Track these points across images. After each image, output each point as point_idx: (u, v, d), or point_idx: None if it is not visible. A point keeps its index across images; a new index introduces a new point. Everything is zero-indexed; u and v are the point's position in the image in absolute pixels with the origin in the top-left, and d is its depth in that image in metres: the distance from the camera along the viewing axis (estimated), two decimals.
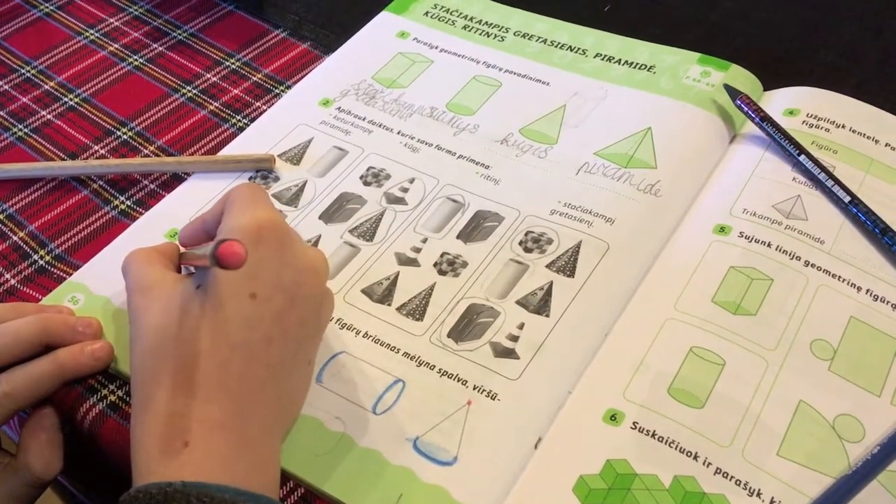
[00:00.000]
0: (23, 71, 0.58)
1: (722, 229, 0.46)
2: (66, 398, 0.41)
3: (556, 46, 0.58)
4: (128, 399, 0.41)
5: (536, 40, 0.58)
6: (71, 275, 0.46)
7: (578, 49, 0.57)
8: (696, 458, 0.38)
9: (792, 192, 0.48)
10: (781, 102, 0.53)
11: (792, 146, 0.48)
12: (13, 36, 0.61)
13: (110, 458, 0.40)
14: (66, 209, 0.50)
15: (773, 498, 0.37)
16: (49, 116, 0.55)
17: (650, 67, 0.55)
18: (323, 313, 0.40)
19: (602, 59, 0.56)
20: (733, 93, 0.51)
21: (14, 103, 0.56)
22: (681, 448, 0.38)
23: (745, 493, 0.37)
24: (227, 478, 0.34)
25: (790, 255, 0.45)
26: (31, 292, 0.46)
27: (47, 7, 0.63)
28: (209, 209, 0.40)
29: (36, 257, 0.48)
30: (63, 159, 0.53)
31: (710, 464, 0.38)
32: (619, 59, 0.56)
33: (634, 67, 0.56)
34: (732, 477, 0.37)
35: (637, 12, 0.61)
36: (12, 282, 0.47)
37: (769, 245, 0.45)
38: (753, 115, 0.50)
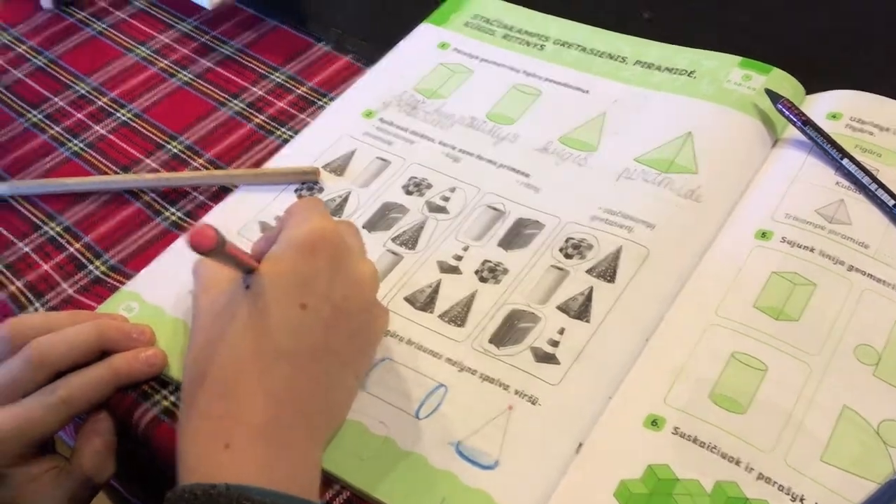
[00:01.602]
0: (77, 88, 0.61)
1: (764, 234, 0.46)
2: (120, 403, 0.43)
3: (595, 54, 0.58)
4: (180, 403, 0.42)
5: (576, 48, 0.59)
6: (125, 284, 0.48)
7: (618, 57, 0.58)
8: (738, 463, 0.38)
9: (835, 197, 0.47)
10: (824, 106, 0.52)
11: (835, 150, 0.48)
12: (68, 54, 0.63)
13: (163, 462, 0.42)
14: (120, 221, 0.52)
15: (816, 503, 0.36)
16: (103, 131, 0.57)
17: (691, 72, 0.55)
18: (374, 328, 0.41)
19: (642, 66, 0.57)
20: (775, 97, 0.51)
21: (69, 119, 0.58)
22: (722, 453, 0.38)
23: (788, 499, 0.37)
24: (267, 481, 0.34)
25: (833, 259, 0.44)
26: (87, 301, 0.48)
27: (100, 26, 0.65)
28: (275, 227, 0.41)
29: (91, 267, 0.49)
30: (116, 173, 0.54)
31: (752, 469, 0.38)
32: (659, 66, 0.56)
33: (675, 73, 0.56)
34: (775, 482, 0.37)
35: (678, 19, 0.61)
36: (69, 291, 0.48)
37: (812, 250, 0.45)
38: (795, 120, 0.50)
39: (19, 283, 0.49)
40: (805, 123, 0.50)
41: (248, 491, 0.33)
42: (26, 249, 0.50)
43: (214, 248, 0.32)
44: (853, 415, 0.39)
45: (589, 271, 0.46)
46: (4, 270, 0.49)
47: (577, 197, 0.49)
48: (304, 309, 0.37)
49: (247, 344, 0.37)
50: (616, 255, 0.46)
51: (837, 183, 0.48)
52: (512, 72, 0.58)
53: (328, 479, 0.39)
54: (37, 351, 0.41)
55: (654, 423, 0.40)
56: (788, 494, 0.37)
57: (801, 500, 0.37)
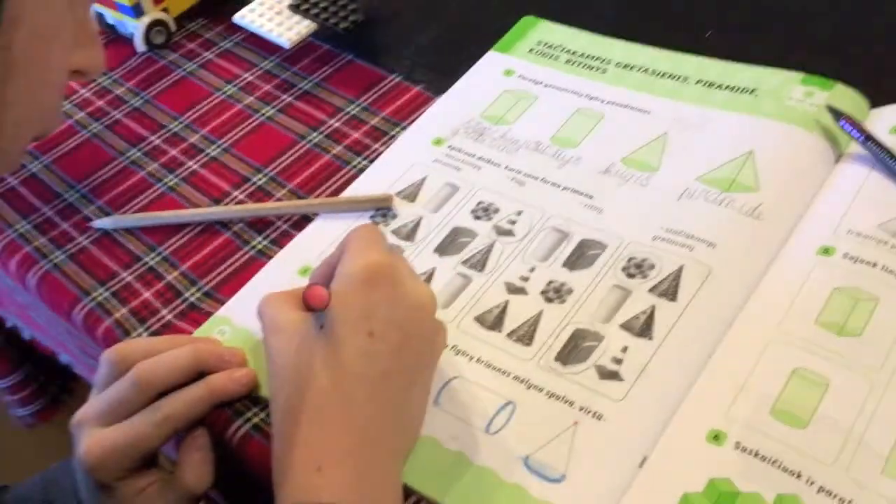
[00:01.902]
0: (171, 126, 0.65)
1: (826, 250, 0.47)
2: (216, 420, 0.47)
3: (657, 75, 0.60)
4: (269, 421, 0.45)
5: (638, 70, 0.60)
6: (217, 309, 0.52)
7: (679, 76, 0.59)
8: (798, 476, 0.39)
9: None
10: (888, 120, 0.53)
11: None
12: (162, 95, 0.68)
13: (255, 474, 0.45)
14: (212, 250, 0.56)
15: None
16: (195, 166, 0.62)
17: (752, 90, 0.56)
18: (436, 344, 0.44)
19: (703, 85, 0.58)
20: (836, 114, 0.52)
21: (165, 156, 0.63)
22: (784, 467, 0.39)
23: None
24: (356, 498, 0.38)
25: None
26: (184, 326, 0.52)
27: (190, 66, 0.70)
28: (334, 251, 0.45)
29: (187, 294, 0.54)
30: (208, 205, 0.59)
31: (813, 482, 0.39)
32: (721, 84, 0.58)
33: (736, 91, 0.57)
34: (836, 495, 0.38)
35: (740, 35, 0.62)
36: (168, 317, 0.53)
37: (874, 265, 0.45)
38: (857, 135, 0.50)
39: (124, 310, 0.53)
40: (867, 139, 0.50)
41: None
42: (129, 279, 0.55)
43: (326, 306, 0.37)
44: None
45: (651, 290, 0.47)
46: (111, 298, 0.54)
47: (639, 217, 0.51)
48: (372, 337, 0.40)
49: (327, 376, 0.40)
50: (678, 274, 0.48)
51: None
52: (575, 96, 0.60)
53: (406, 492, 0.42)
54: (142, 373, 0.45)
55: (716, 437, 0.41)
56: None
57: None
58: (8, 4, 0.29)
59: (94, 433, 0.45)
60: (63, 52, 0.35)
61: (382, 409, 0.40)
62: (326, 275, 0.44)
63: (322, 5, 0.66)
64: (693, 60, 0.60)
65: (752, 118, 0.55)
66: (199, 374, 0.47)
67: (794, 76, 0.56)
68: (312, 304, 0.38)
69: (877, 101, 0.55)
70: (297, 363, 0.41)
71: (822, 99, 0.54)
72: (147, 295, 0.54)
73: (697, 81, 0.58)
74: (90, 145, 0.65)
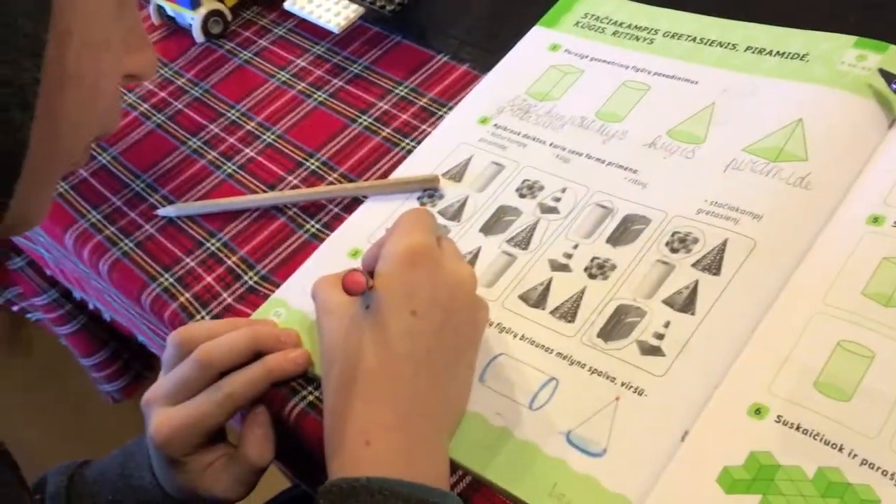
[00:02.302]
0: (229, 114, 0.68)
1: (875, 219, 0.46)
2: (274, 398, 0.49)
3: (705, 44, 0.59)
4: (322, 398, 0.47)
5: (686, 39, 0.60)
6: (273, 292, 0.54)
7: (728, 44, 0.58)
8: (840, 449, 0.39)
9: None
10: None
11: None
12: (220, 84, 0.71)
13: (311, 449, 0.47)
14: (268, 235, 0.58)
15: None
16: (251, 153, 0.64)
17: (803, 56, 0.55)
18: (478, 321, 0.45)
19: (753, 52, 0.57)
20: (889, 77, 0.50)
21: (223, 144, 0.66)
22: (825, 440, 0.39)
23: (891, 484, 0.37)
24: (403, 472, 0.39)
25: None
26: (243, 309, 0.54)
27: (246, 55, 0.72)
28: (384, 235, 0.46)
29: (246, 278, 0.56)
30: (264, 191, 0.61)
31: (855, 455, 0.38)
32: (771, 51, 0.56)
33: (786, 57, 0.56)
34: (879, 467, 0.38)
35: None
36: (229, 300, 0.55)
37: None
38: None
39: (188, 295, 0.56)
40: None
41: (387, 482, 0.38)
42: (192, 264, 0.58)
43: (365, 291, 0.39)
44: None
45: (694, 265, 0.47)
46: (175, 284, 0.57)
47: (683, 190, 0.51)
48: (415, 315, 0.42)
49: (373, 354, 0.42)
50: (722, 248, 0.47)
51: None
52: (621, 68, 0.59)
53: (452, 467, 0.43)
54: (203, 355, 0.48)
55: (758, 411, 0.41)
56: (892, 479, 0.37)
57: None
58: (58, 18, 0.31)
59: (162, 412, 0.48)
60: (114, 60, 0.36)
61: (428, 386, 0.42)
62: (375, 257, 0.45)
63: None
64: (742, 27, 0.59)
65: (802, 85, 0.53)
66: (257, 355, 0.49)
67: (847, 39, 0.55)
68: (350, 289, 0.40)
69: None
70: (345, 343, 0.43)
71: (876, 62, 0.53)
72: (209, 279, 0.57)
73: (747, 48, 0.57)
74: (154, 136, 0.68)
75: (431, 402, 0.42)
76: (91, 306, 0.80)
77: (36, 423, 1.64)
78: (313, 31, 0.71)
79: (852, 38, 0.55)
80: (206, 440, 0.48)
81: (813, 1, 0.59)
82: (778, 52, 0.56)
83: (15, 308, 1.04)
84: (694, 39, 0.59)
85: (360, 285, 0.40)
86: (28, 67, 0.28)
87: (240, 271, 0.57)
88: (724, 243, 0.47)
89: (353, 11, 0.67)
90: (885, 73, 0.51)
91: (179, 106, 0.70)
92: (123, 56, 0.37)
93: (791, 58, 0.55)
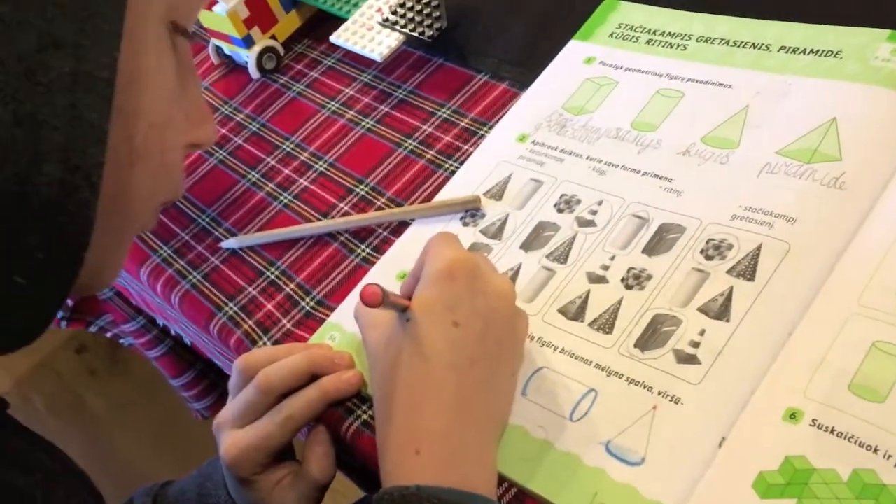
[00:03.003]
0: (284, 146, 0.71)
1: None
2: (331, 418, 0.52)
3: (738, 46, 0.59)
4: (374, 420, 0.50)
5: (719, 43, 0.60)
6: (328, 317, 0.57)
7: (762, 45, 0.58)
8: (875, 451, 0.39)
9: None
10: None
11: None
12: (275, 117, 0.74)
13: (367, 464, 0.50)
14: (322, 261, 0.61)
15: None
16: (305, 183, 0.68)
17: (836, 53, 0.55)
18: (518, 331, 0.47)
19: (786, 52, 0.57)
20: None
21: (279, 175, 0.69)
22: (860, 442, 0.40)
23: None
24: (451, 479, 0.42)
25: None
26: (301, 333, 0.58)
27: (298, 87, 0.76)
28: (417, 262, 0.49)
29: (303, 304, 0.59)
30: (318, 219, 0.64)
31: (890, 456, 0.39)
32: (805, 49, 0.56)
33: (820, 55, 0.55)
34: None
35: None
36: (288, 325, 0.59)
37: None
38: None
39: (251, 322, 0.60)
40: None
41: (437, 491, 0.40)
42: (254, 293, 0.61)
43: (381, 303, 0.41)
44: None
45: (729, 271, 0.48)
46: (239, 312, 0.61)
47: (718, 197, 0.51)
48: (457, 326, 0.44)
49: (416, 366, 0.44)
50: (756, 253, 0.48)
51: None
52: (655, 77, 0.60)
53: (498, 479, 0.45)
54: (264, 380, 0.51)
55: (793, 416, 0.42)
56: None
57: None
58: (125, 102, 0.34)
59: (230, 435, 0.51)
60: (177, 135, 0.39)
61: (472, 393, 0.44)
62: (411, 285, 0.48)
63: (409, 16, 0.70)
64: (776, 26, 0.59)
65: (835, 83, 0.53)
66: (314, 378, 0.52)
67: (881, 34, 0.54)
68: (367, 300, 0.41)
69: None
70: (388, 355, 0.46)
71: None
72: (269, 307, 0.60)
73: (780, 48, 0.57)
74: (217, 171, 0.72)
75: (476, 409, 0.44)
76: (173, 332, 0.85)
77: (135, 437, 1.73)
78: (360, 60, 0.74)
79: (886, 32, 0.54)
80: (273, 459, 0.52)
81: None
82: (811, 51, 0.56)
83: (108, 334, 1.11)
84: (727, 42, 0.60)
85: (376, 296, 0.41)
86: (93, 153, 0.31)
87: (297, 297, 0.60)
88: (759, 248, 0.48)
89: (395, 40, 0.70)
90: None
91: (239, 141, 0.74)
92: (186, 129, 0.40)
93: (825, 55, 0.55)
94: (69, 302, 1.05)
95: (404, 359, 0.44)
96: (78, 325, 1.11)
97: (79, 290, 0.37)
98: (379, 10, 0.72)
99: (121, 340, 1.10)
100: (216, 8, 0.74)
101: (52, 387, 1.95)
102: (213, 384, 1.07)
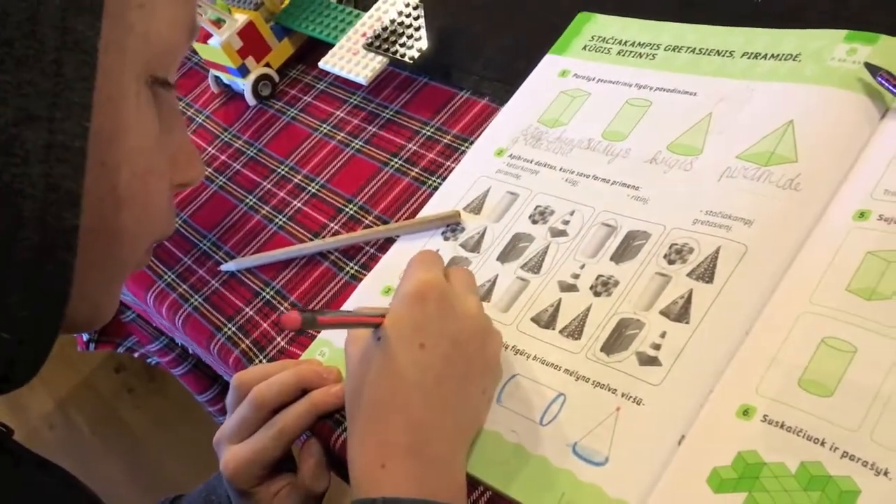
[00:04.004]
0: (279, 170, 0.75)
1: (862, 214, 0.47)
2: (322, 430, 0.55)
3: (704, 54, 0.61)
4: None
5: (686, 51, 0.62)
6: (318, 333, 0.60)
7: (726, 52, 0.60)
8: (822, 444, 0.41)
9: None
10: None
11: None
12: (271, 142, 0.78)
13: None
14: (314, 280, 0.64)
15: None
16: (299, 205, 0.71)
17: (796, 56, 0.56)
18: (489, 350, 0.49)
19: (749, 58, 0.58)
20: (874, 69, 0.51)
21: (275, 198, 0.72)
22: (808, 436, 0.41)
23: (871, 474, 0.39)
24: (417, 491, 0.44)
25: None
26: (294, 350, 0.60)
27: (293, 112, 0.79)
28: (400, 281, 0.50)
29: None
30: (310, 239, 0.67)
31: (836, 448, 0.40)
32: (766, 54, 0.58)
33: (780, 59, 0.57)
34: (859, 459, 0.40)
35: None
36: (282, 343, 0.62)
37: None
38: (893, 89, 0.50)
39: (248, 342, 0.63)
40: None
41: (401, 501, 0.43)
42: (251, 313, 0.65)
43: (301, 328, 0.43)
44: None
45: (689, 274, 0.50)
46: (237, 332, 0.64)
47: (681, 202, 0.53)
48: (423, 348, 0.46)
49: (385, 383, 0.46)
50: (715, 256, 0.50)
51: None
52: (625, 87, 0.62)
53: (473, 482, 0.48)
54: (257, 395, 0.54)
55: (746, 412, 0.43)
56: (872, 469, 0.39)
57: (885, 473, 0.39)
58: (110, 155, 0.36)
59: (228, 450, 0.54)
60: (162, 179, 0.40)
61: (439, 411, 0.46)
62: None
63: (391, 40, 0.73)
64: (741, 33, 0.60)
65: (793, 86, 0.55)
66: (305, 392, 0.55)
67: (838, 34, 0.55)
68: (285, 325, 0.42)
69: None
70: (360, 371, 0.48)
71: (866, 55, 0.53)
72: (265, 325, 0.63)
73: (744, 54, 0.59)
74: (217, 197, 0.76)
75: (444, 425, 0.46)
76: (191, 350, 0.88)
77: (175, 454, 1.78)
78: (349, 83, 0.77)
79: (843, 33, 0.55)
80: (270, 471, 0.54)
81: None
82: (772, 55, 0.57)
83: (136, 354, 1.15)
84: (694, 50, 0.61)
85: (293, 322, 0.42)
86: (69, 217, 0.33)
87: None
88: (717, 251, 0.50)
89: (378, 63, 0.72)
90: (870, 66, 0.52)
91: (238, 167, 0.77)
92: (173, 171, 0.41)
93: (784, 59, 0.57)
94: None
95: (373, 376, 0.47)
96: (106, 347, 1.16)
97: (78, 329, 0.40)
98: (364, 34, 0.75)
99: (148, 360, 1.15)
100: (211, 41, 0.78)
101: (92, 406, 2.02)
102: None
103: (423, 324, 0.47)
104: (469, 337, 0.48)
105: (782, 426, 0.42)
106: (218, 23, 0.78)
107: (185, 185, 0.44)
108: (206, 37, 0.78)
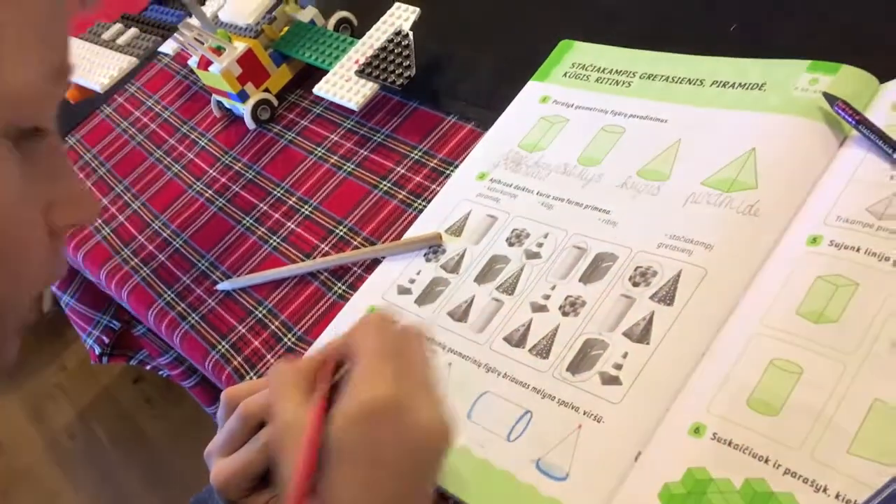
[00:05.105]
0: (275, 192, 0.78)
1: (814, 240, 0.49)
2: None
3: (676, 82, 0.63)
4: None
5: (659, 79, 0.64)
6: (306, 350, 0.63)
7: (696, 80, 0.62)
8: (766, 461, 0.43)
9: (887, 192, 0.49)
10: (892, 96, 0.53)
11: (888, 145, 0.50)
12: (269, 164, 0.81)
13: None
14: (304, 299, 0.67)
15: (839, 493, 0.41)
16: (292, 226, 0.74)
17: (761, 85, 0.58)
18: (441, 461, 0.44)
19: (717, 86, 0.61)
20: (831, 99, 0.53)
21: (270, 220, 0.75)
22: (753, 453, 0.43)
23: (811, 490, 0.41)
24: None
25: (879, 256, 0.47)
26: None
27: (290, 135, 0.82)
28: (339, 339, 0.46)
29: (286, 340, 0.65)
30: (302, 260, 0.70)
31: (779, 465, 0.42)
32: (733, 83, 0.60)
33: (746, 88, 0.59)
34: (800, 476, 0.42)
35: (765, 25, 0.63)
36: (272, 361, 0.64)
37: (857, 250, 0.47)
38: (850, 120, 0.52)
39: (240, 359, 0.66)
40: (858, 122, 0.51)
41: None
42: (243, 331, 0.68)
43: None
44: (883, 406, 0.42)
45: (652, 297, 0.52)
46: (230, 350, 0.67)
47: (647, 226, 0.55)
48: (374, 469, 0.41)
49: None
50: (676, 279, 0.52)
51: (892, 177, 0.49)
52: (601, 114, 0.64)
53: (443, 495, 0.50)
54: (243, 409, 0.57)
55: (697, 430, 0.46)
56: (812, 486, 0.41)
57: (825, 490, 0.41)
58: None
59: (217, 463, 0.57)
60: (34, 230, 0.38)
61: None
62: (338, 350, 0.46)
63: (382, 66, 0.76)
64: (711, 62, 0.63)
65: (757, 114, 0.57)
66: None
67: (801, 64, 0.58)
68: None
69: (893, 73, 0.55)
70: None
71: (827, 84, 0.55)
72: (256, 343, 0.66)
73: (713, 83, 0.61)
74: (216, 218, 0.79)
75: None
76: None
77: (191, 464, 1.82)
78: (344, 108, 0.80)
79: (805, 63, 0.57)
80: (258, 483, 0.57)
81: (787, 27, 0.62)
82: (739, 84, 0.60)
83: (148, 367, 1.19)
84: (667, 79, 0.64)
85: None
86: None
87: (280, 334, 0.66)
88: (679, 274, 0.52)
89: (369, 89, 0.75)
90: (828, 96, 0.54)
91: (236, 189, 0.80)
92: (58, 215, 0.39)
93: (750, 88, 0.59)
94: (105, 339, 1.13)
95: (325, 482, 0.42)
96: (119, 360, 1.19)
97: None
98: (357, 61, 0.78)
99: (160, 372, 1.18)
100: (212, 68, 0.81)
101: (112, 416, 2.06)
102: None
103: (375, 450, 0.41)
104: (426, 457, 0.43)
105: (730, 444, 0.44)
106: (218, 50, 0.81)
107: (76, 225, 0.42)
108: (207, 64, 0.81)
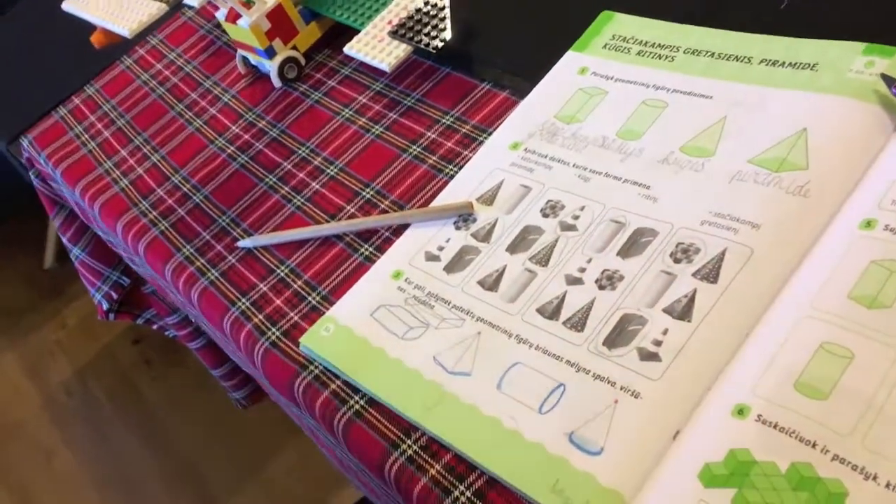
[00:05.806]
0: (300, 152, 0.76)
1: (868, 224, 0.48)
2: (326, 410, 0.56)
3: (723, 59, 0.61)
4: (368, 407, 0.54)
5: (704, 55, 0.62)
6: (329, 310, 0.61)
7: (744, 58, 0.60)
8: (814, 446, 0.42)
9: None
10: None
11: None
12: (294, 124, 0.79)
13: (361, 458, 0.54)
14: (328, 260, 0.66)
15: (889, 482, 0.39)
16: (317, 187, 0.72)
17: (813, 65, 0.57)
18: None
19: (767, 65, 0.59)
20: (890, 81, 0.52)
21: (294, 179, 0.74)
22: (800, 437, 0.42)
23: (861, 478, 0.40)
24: None
25: None
26: (306, 325, 0.62)
27: (316, 95, 0.80)
28: None
29: (310, 299, 0.64)
30: (327, 220, 0.68)
31: (827, 451, 0.41)
32: (784, 62, 0.58)
33: (797, 68, 0.57)
34: (849, 462, 0.40)
35: (817, 4, 0.62)
36: (296, 318, 0.63)
37: None
38: None
39: (261, 316, 0.64)
40: None
41: None
42: (265, 289, 0.66)
43: None
44: None
45: (694, 274, 0.50)
46: (251, 307, 0.65)
47: (690, 203, 0.54)
48: None
49: None
50: (721, 257, 0.50)
51: None
52: (643, 87, 0.63)
53: (471, 465, 0.49)
54: None
55: (741, 411, 0.44)
56: (861, 473, 0.40)
57: (874, 478, 0.40)
58: None
59: None
60: None
61: None
62: None
63: (416, 28, 0.74)
64: (761, 40, 0.61)
65: (809, 94, 0.55)
66: None
67: (856, 47, 0.56)
68: None
69: None
70: None
71: (883, 67, 0.54)
72: (278, 302, 0.65)
73: (762, 61, 0.59)
74: (238, 175, 0.77)
75: None
76: (203, 328, 0.90)
77: (189, 428, 1.81)
78: (373, 69, 0.78)
79: (861, 45, 0.56)
80: None
81: (840, 6, 0.60)
82: (790, 63, 0.58)
83: (154, 326, 1.17)
84: (713, 55, 0.62)
85: None
86: None
87: (304, 293, 0.64)
88: (723, 253, 0.50)
89: (402, 51, 0.73)
90: (886, 78, 0.52)
91: (260, 146, 0.79)
92: None
93: (802, 68, 0.57)
94: (114, 295, 1.12)
95: None
96: (125, 317, 1.18)
97: None
98: (390, 22, 0.76)
99: (166, 332, 1.17)
100: (240, 21, 0.79)
101: (110, 375, 2.05)
102: (248, 377, 1.13)
103: None
104: None
105: (776, 426, 0.43)
106: (248, 4, 0.79)
107: None
108: (236, 17, 0.79)
